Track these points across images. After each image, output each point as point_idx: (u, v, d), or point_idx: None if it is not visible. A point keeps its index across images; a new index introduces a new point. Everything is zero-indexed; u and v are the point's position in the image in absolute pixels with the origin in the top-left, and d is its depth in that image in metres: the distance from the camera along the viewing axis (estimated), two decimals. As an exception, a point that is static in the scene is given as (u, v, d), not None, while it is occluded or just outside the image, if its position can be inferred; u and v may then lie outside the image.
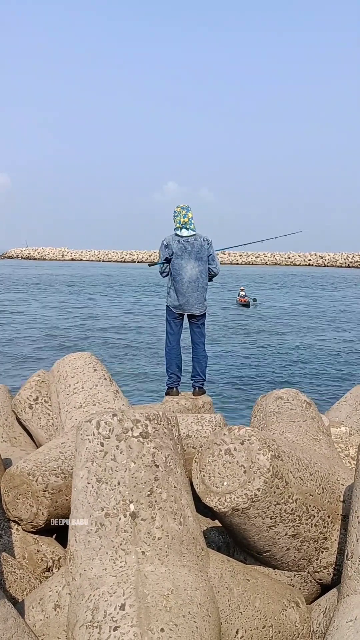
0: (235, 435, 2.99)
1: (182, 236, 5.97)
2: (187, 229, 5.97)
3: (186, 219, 5.95)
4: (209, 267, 6.04)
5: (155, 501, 2.68)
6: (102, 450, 2.72)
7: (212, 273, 6.11)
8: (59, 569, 3.68)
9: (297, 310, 32.97)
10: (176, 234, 6.01)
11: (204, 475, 3.02)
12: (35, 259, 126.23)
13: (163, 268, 6.10)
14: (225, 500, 2.90)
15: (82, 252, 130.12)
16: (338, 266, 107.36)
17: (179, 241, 5.96)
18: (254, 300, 36.08)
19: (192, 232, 5.99)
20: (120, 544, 2.62)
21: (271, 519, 2.94)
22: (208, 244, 6.00)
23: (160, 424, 2.83)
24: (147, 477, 2.69)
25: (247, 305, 34.83)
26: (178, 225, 6.00)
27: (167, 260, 6.02)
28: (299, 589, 3.23)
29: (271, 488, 2.88)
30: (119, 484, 2.67)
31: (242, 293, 36.38)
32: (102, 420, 2.76)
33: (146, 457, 2.72)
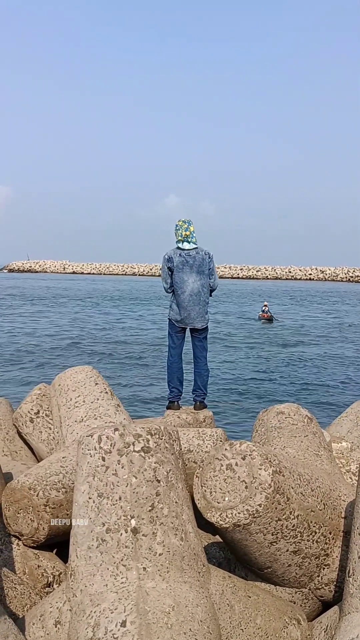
0: (237, 450, 2.99)
1: (183, 249, 6.00)
2: (188, 242, 6.00)
3: (188, 232, 5.98)
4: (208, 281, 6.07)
5: (157, 516, 2.67)
6: (103, 464, 2.72)
7: (211, 287, 6.13)
8: (59, 584, 3.66)
9: (309, 326, 32.64)
10: (178, 247, 6.04)
11: (205, 491, 3.01)
12: (36, 272, 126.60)
13: (169, 284, 6.12)
14: (226, 515, 2.90)
15: (83, 265, 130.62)
16: (339, 280, 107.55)
17: (180, 255, 5.98)
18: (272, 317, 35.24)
19: (194, 246, 6.02)
20: (122, 560, 2.61)
21: (272, 535, 2.93)
22: (209, 257, 6.02)
23: (161, 439, 2.83)
24: (148, 492, 2.69)
25: (270, 320, 34.02)
26: (180, 238, 6.02)
27: (171, 274, 6.05)
28: (300, 605, 3.20)
29: (272, 504, 2.88)
30: (120, 499, 2.67)
31: (266, 309, 35.36)
32: (104, 435, 2.76)
33: (147, 472, 2.71)
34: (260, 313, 35.31)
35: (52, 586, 3.65)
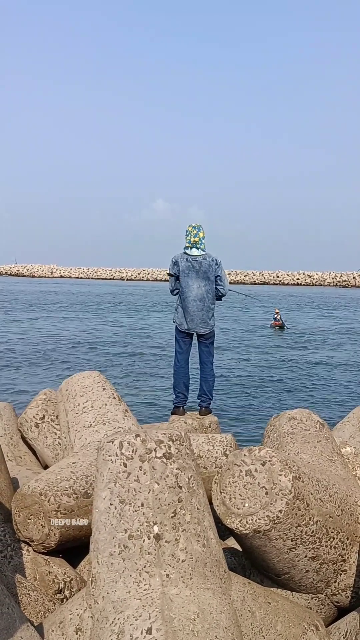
0: (256, 456, 2.99)
1: (191, 255, 6.02)
2: (197, 248, 6.02)
3: (197, 239, 6.00)
4: (216, 288, 6.08)
5: (179, 523, 2.66)
6: (125, 471, 2.71)
7: (220, 294, 6.14)
8: (70, 590, 3.64)
9: (316, 331, 32.04)
10: (185, 253, 6.06)
11: (224, 497, 3.01)
12: (24, 276, 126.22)
13: (174, 286, 6.13)
14: (246, 522, 2.89)
15: (71, 269, 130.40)
16: (326, 285, 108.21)
17: (187, 259, 6.00)
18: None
19: (202, 252, 6.04)
20: (144, 567, 2.59)
21: (292, 541, 2.93)
22: (216, 264, 6.03)
23: (182, 445, 2.82)
24: (170, 499, 2.68)
25: (282, 327, 32.40)
26: (188, 244, 6.04)
27: (177, 278, 6.07)
28: (317, 611, 3.21)
29: (293, 510, 2.88)
30: (142, 505, 2.66)
31: (277, 316, 33.47)
32: (125, 441, 2.74)
33: (169, 478, 2.70)
34: (273, 321, 33.58)
35: (63, 592, 3.63)
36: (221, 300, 6.24)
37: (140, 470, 2.69)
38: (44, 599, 3.35)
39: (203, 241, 6.03)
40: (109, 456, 2.76)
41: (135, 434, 2.77)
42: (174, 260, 6.06)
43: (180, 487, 2.72)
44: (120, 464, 2.72)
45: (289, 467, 2.94)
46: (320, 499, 3.04)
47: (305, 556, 3.00)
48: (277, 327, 32.56)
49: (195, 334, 6.12)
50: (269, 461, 2.94)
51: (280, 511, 2.85)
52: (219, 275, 6.05)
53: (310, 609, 3.19)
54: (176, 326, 6.13)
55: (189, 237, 6.02)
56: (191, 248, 6.02)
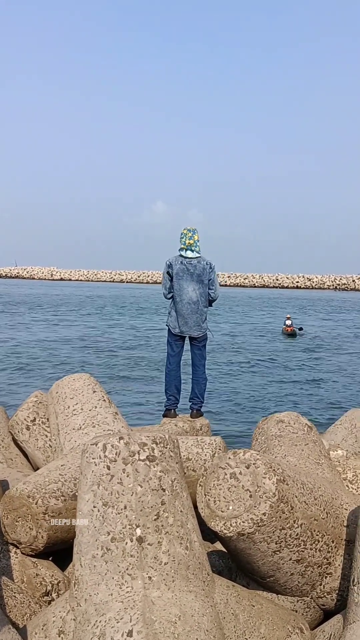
0: (241, 458, 2.99)
1: (185, 257, 6.03)
2: (191, 250, 6.03)
3: (191, 241, 6.01)
4: (208, 291, 6.08)
5: (162, 525, 2.66)
6: (108, 473, 2.71)
7: (211, 298, 6.14)
8: (58, 593, 3.63)
9: (321, 336, 31.75)
10: (180, 255, 6.07)
11: (209, 500, 3.01)
12: (24, 278, 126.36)
13: (168, 289, 6.14)
14: (230, 524, 2.89)
15: (71, 271, 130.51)
16: (326, 288, 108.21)
17: (181, 262, 6.02)
18: (300, 329, 32.50)
19: (197, 255, 6.05)
20: (127, 569, 2.59)
21: (276, 543, 2.93)
22: (210, 268, 6.05)
23: (166, 448, 2.82)
24: (153, 501, 2.68)
25: (293, 334, 31.31)
26: (183, 246, 6.06)
27: (170, 280, 6.08)
28: (302, 614, 3.21)
29: (277, 512, 2.88)
30: (125, 507, 2.66)
31: (289, 322, 32.28)
32: (109, 443, 2.74)
33: (153, 481, 2.70)
34: (284, 327, 32.50)
35: (51, 595, 3.62)
36: (212, 305, 6.24)
37: (124, 472, 2.69)
38: (30, 602, 3.35)
39: (198, 244, 6.04)
40: (93, 459, 2.76)
41: (118, 437, 2.77)
42: (168, 262, 6.08)
43: (164, 490, 2.72)
44: (104, 467, 2.72)
45: (273, 470, 2.95)
46: (305, 502, 3.04)
47: (290, 559, 3.00)
48: (288, 334, 31.49)
49: (187, 337, 6.13)
50: (254, 464, 2.95)
51: (264, 514, 2.85)
52: (211, 279, 6.06)
53: (296, 611, 3.19)
54: (169, 329, 6.13)
55: (183, 239, 6.04)
56: (186, 250, 6.04)
